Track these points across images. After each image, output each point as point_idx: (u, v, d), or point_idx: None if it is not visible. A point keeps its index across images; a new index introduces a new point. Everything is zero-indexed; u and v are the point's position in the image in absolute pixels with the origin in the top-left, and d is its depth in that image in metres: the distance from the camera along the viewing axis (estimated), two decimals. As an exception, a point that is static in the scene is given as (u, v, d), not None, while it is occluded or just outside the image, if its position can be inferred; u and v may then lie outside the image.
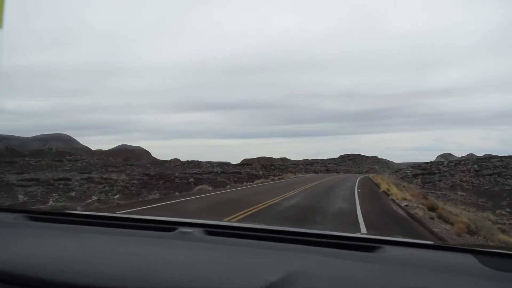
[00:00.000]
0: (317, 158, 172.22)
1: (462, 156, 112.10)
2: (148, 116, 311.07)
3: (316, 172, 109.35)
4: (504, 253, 1.37)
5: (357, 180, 39.77)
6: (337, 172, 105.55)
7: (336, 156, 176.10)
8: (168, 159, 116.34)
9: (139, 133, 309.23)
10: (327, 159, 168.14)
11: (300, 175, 64.04)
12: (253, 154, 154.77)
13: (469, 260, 1.28)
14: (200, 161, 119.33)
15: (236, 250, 1.37)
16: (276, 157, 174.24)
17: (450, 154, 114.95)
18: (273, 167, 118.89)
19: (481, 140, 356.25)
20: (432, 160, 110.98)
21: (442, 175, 59.56)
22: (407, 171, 63.52)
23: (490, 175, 57.59)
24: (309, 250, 1.37)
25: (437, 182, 55.77)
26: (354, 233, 1.67)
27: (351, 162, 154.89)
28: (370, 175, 57.36)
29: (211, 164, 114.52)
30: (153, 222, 1.80)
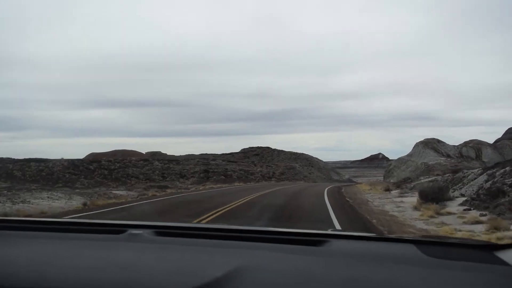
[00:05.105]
0: (209, 152, 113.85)
1: (461, 144, 63.50)
2: (47, 113, 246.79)
3: (153, 182, 50.80)
4: (443, 242, 1.47)
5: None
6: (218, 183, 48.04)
7: (237, 150, 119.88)
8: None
9: (37, 130, 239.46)
10: (222, 154, 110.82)
11: None
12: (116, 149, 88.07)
13: (411, 250, 1.33)
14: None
15: (185, 249, 1.37)
16: (153, 151, 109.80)
17: (440, 141, 65.11)
18: (83, 168, 56.96)
19: (379, 141, 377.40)
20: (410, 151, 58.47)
21: None
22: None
23: None
24: (256, 246, 1.38)
25: None
26: (301, 229, 1.67)
27: (257, 159, 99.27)
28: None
29: None
30: (102, 225, 1.80)
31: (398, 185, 26.57)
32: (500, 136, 78.71)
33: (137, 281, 1.04)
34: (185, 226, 1.82)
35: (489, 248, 1.32)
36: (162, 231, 1.58)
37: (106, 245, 1.41)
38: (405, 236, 1.70)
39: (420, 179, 26.60)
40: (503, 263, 1.17)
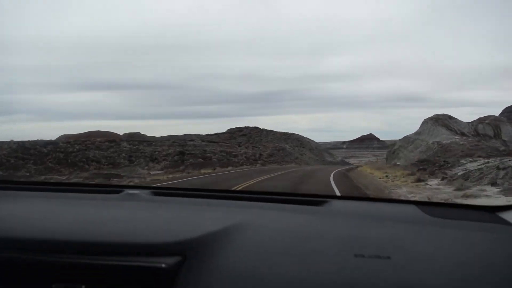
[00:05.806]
0: (192, 133, 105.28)
1: (475, 120, 56.10)
2: (34, 96, 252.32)
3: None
4: (445, 203, 1.47)
5: None
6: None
7: (223, 130, 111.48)
8: None
9: (24, 114, 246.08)
10: (207, 134, 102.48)
11: None
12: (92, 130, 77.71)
13: (413, 210, 1.34)
14: None
15: (183, 207, 1.41)
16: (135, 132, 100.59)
17: (451, 118, 57.72)
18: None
19: (368, 122, 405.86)
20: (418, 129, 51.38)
21: None
22: None
23: None
24: (255, 206, 1.41)
25: None
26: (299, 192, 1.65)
27: (244, 139, 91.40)
28: None
29: None
30: (99, 186, 1.95)
31: (431, 172, 18.67)
32: (496, 116, 72.84)
33: (134, 232, 1.06)
34: (183, 187, 1.85)
35: (491, 210, 1.32)
36: (160, 191, 1.60)
37: (104, 204, 1.46)
38: (406, 199, 1.48)
39: (463, 163, 18.93)
40: (506, 222, 1.19)
